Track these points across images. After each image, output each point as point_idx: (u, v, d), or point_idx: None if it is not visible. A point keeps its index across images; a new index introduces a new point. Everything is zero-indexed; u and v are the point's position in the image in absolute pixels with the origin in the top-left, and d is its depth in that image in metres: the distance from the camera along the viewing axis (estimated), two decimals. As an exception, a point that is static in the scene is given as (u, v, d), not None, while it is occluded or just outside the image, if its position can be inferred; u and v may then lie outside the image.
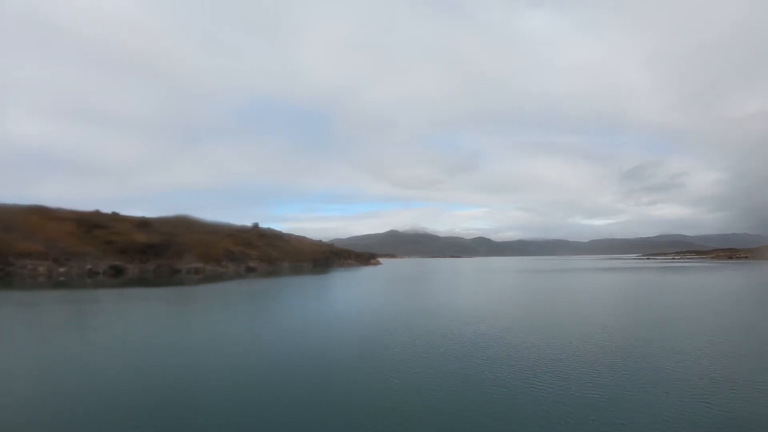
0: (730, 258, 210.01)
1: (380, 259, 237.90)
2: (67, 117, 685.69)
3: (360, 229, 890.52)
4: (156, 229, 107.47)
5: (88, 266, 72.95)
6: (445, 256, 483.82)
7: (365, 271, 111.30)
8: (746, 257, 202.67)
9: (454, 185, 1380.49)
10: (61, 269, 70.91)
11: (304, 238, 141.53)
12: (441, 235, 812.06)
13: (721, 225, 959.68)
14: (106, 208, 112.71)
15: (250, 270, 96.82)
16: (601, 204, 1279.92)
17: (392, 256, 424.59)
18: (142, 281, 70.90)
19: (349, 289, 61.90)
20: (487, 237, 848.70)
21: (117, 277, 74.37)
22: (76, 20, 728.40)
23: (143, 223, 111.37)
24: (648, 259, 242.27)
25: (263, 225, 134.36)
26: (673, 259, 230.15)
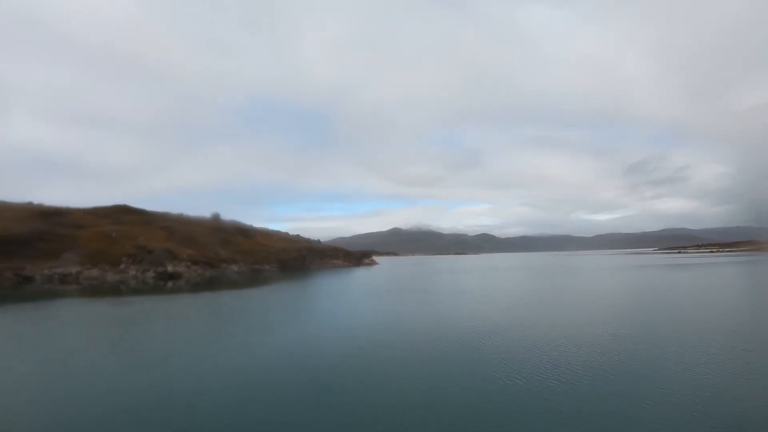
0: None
1: (379, 258, 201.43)
2: (68, 120, 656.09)
3: (363, 228, 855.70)
4: (59, 221, 72.26)
5: None
6: (448, 254, 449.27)
7: (352, 275, 75.77)
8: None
9: (457, 182, 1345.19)
10: None
11: (279, 233, 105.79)
12: (444, 232, 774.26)
13: (725, 218, 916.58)
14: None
15: (170, 277, 61.16)
16: (605, 199, 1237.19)
17: (394, 254, 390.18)
18: None
19: (285, 319, 26.46)
20: (490, 233, 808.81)
21: None
22: (73, 23, 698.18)
23: (49, 213, 76.13)
24: (679, 253, 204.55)
25: (268, 226, 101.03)
26: (712, 252, 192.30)
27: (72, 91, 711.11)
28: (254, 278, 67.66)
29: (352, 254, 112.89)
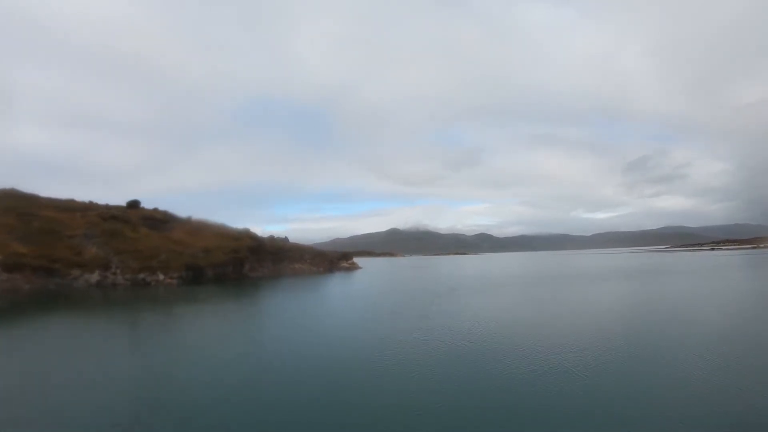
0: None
1: (373, 260, 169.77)
2: (65, 122, 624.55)
3: (363, 228, 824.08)
4: None
5: None
6: (447, 253, 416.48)
7: (301, 293, 44.19)
8: None
9: (456, 181, 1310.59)
10: None
11: (223, 227, 73.50)
12: (442, 232, 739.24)
13: (724, 215, 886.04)
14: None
15: None
16: (604, 197, 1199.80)
17: (391, 254, 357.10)
18: None
19: None
20: (489, 233, 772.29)
21: None
22: (69, 23, 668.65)
23: None
24: (713, 250, 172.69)
25: (267, 227, 70.94)
26: (755, 248, 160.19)
27: (68, 92, 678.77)
28: (108, 298, 35.89)
29: (323, 256, 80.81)
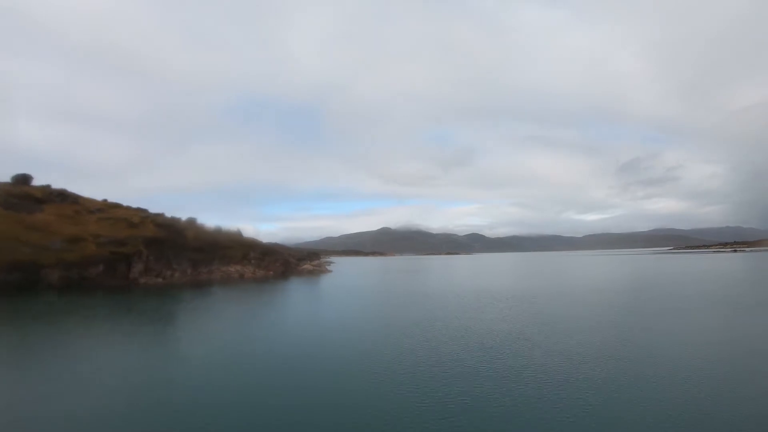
0: None
1: (362, 259, 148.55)
2: (56, 118, 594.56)
3: (355, 227, 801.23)
4: None
5: None
6: (439, 253, 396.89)
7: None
8: None
9: (448, 181, 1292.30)
10: None
11: (140, 211, 51.56)
12: (434, 231, 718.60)
13: (715, 219, 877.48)
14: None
15: None
16: (596, 198, 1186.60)
17: (381, 254, 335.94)
18: None
19: None
20: (480, 233, 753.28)
21: None
22: (60, 18, 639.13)
23: None
24: (735, 251, 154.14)
25: (258, 226, 48.67)
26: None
27: (59, 88, 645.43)
28: None
29: (276, 255, 59.23)
